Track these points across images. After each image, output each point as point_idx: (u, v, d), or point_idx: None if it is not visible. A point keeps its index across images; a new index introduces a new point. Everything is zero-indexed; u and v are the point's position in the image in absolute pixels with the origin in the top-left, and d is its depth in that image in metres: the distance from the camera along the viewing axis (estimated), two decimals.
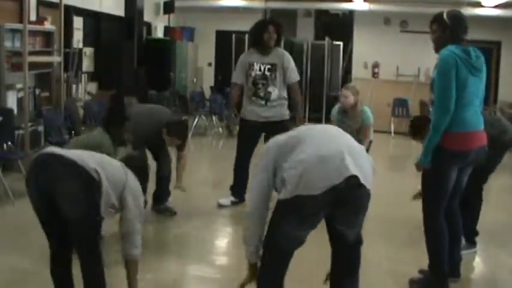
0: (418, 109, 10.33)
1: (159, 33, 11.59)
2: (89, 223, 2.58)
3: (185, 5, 11.76)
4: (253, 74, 5.10)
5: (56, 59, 7.07)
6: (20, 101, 6.53)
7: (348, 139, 2.61)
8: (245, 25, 12.16)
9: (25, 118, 6.25)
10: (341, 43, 11.78)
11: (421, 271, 3.61)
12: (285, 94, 5.22)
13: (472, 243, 4.16)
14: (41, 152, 2.66)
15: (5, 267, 3.66)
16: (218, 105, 10.36)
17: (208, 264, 3.97)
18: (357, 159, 2.45)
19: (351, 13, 12.35)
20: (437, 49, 3.34)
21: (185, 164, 4.76)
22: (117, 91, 8.50)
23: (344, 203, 2.43)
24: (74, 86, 8.01)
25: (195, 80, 12.13)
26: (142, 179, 2.90)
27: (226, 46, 11.74)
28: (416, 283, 3.55)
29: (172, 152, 4.95)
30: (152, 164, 4.87)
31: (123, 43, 9.56)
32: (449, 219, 3.39)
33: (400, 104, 11.10)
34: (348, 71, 12.27)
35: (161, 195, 4.94)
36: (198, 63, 12.54)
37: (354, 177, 2.37)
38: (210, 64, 12.97)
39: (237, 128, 5.49)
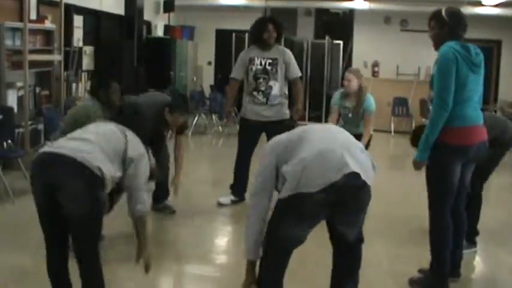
0: (419, 108, 10.35)
1: (159, 32, 11.58)
2: (91, 220, 2.57)
3: (185, 4, 11.75)
4: (254, 68, 5.10)
5: (56, 57, 7.06)
6: (20, 100, 6.54)
7: (347, 137, 2.61)
8: (245, 24, 12.17)
9: (25, 116, 6.26)
10: (341, 42, 11.78)
11: (420, 270, 3.61)
12: (285, 90, 5.22)
13: (472, 242, 4.16)
14: (42, 150, 2.64)
15: (4, 266, 3.66)
16: (218, 104, 10.35)
17: (208, 263, 3.97)
18: (357, 156, 2.45)
19: (351, 12, 12.34)
20: (436, 46, 3.35)
21: (183, 155, 4.69)
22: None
23: (344, 201, 2.43)
24: (74, 85, 8.01)
25: (195, 78, 12.13)
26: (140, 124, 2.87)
27: (226, 45, 11.74)
28: (416, 282, 3.55)
29: (170, 149, 4.96)
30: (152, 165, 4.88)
31: (123, 42, 9.55)
32: (454, 218, 3.39)
33: (400, 103, 11.09)
34: None
35: (160, 194, 4.94)
36: (198, 62, 12.54)
37: (354, 174, 2.38)
38: (210, 63, 12.97)
39: (237, 127, 5.48)
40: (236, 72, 5.24)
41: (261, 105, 5.14)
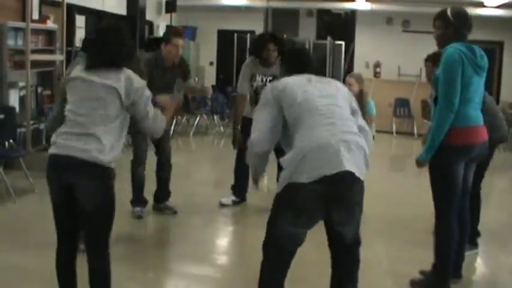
0: (420, 109, 10.34)
1: (161, 32, 11.58)
2: (105, 213, 2.67)
3: (187, 4, 11.76)
4: (255, 84, 5.09)
5: (58, 57, 7.07)
6: (22, 99, 6.55)
7: (345, 116, 2.61)
8: (247, 24, 12.23)
9: (27, 116, 6.27)
10: (343, 43, 11.77)
11: (422, 272, 3.61)
12: None
13: (473, 244, 4.16)
14: (54, 152, 2.66)
15: (4, 265, 3.66)
16: (219, 105, 10.36)
17: (209, 264, 3.97)
18: (352, 151, 2.48)
19: (353, 13, 12.34)
20: (439, 46, 3.35)
21: (179, 103, 4.75)
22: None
23: (338, 195, 2.46)
24: None
25: (196, 79, 12.14)
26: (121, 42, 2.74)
27: (228, 45, 11.75)
28: (417, 284, 3.54)
29: (172, 150, 4.97)
30: (152, 165, 4.89)
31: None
32: (458, 219, 3.39)
33: (402, 104, 11.08)
34: (349, 70, 12.24)
35: (161, 195, 4.95)
36: (200, 63, 12.55)
37: (348, 172, 2.42)
38: (211, 63, 12.98)
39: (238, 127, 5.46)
40: (241, 87, 5.16)
41: None
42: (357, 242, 2.65)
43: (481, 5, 10.26)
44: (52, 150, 2.66)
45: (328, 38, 11.58)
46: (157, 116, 2.80)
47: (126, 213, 4.66)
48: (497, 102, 11.82)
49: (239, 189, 5.31)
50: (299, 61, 2.84)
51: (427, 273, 3.53)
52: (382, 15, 11.88)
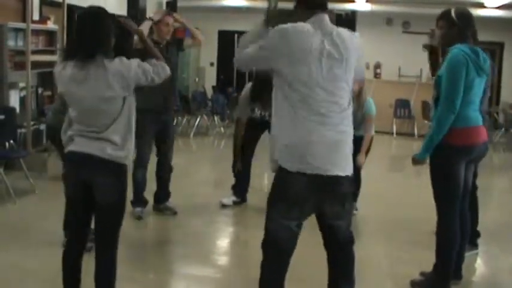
0: (421, 110, 10.34)
1: None
2: (118, 209, 2.75)
3: (188, 5, 11.76)
4: (253, 115, 5.07)
5: (59, 58, 7.07)
6: (22, 100, 6.55)
7: (340, 115, 2.53)
8: (248, 25, 12.19)
9: (27, 117, 6.27)
10: None
11: (422, 273, 3.61)
12: None
13: (473, 245, 4.16)
14: (72, 149, 2.70)
15: (4, 265, 3.66)
16: (220, 105, 10.37)
17: (209, 264, 3.97)
18: (342, 151, 2.50)
19: (353, 13, 12.31)
20: (442, 45, 3.35)
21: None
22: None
23: (325, 191, 2.49)
24: None
25: (197, 79, 12.16)
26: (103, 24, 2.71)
27: (229, 46, 11.75)
28: (417, 284, 3.54)
29: (173, 151, 4.97)
30: (152, 165, 4.89)
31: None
32: (460, 220, 3.39)
33: (402, 105, 11.08)
34: None
35: (161, 196, 4.95)
36: (200, 63, 12.56)
37: (335, 176, 2.46)
38: (212, 64, 12.99)
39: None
40: (242, 113, 5.13)
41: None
42: (350, 240, 2.66)
43: (482, 5, 10.26)
44: (71, 147, 2.71)
45: None
46: (155, 65, 2.76)
47: (126, 213, 4.63)
48: (498, 103, 11.83)
49: (239, 190, 5.32)
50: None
51: (427, 274, 3.53)
52: (382, 16, 11.89)
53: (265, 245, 2.60)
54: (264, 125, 5.06)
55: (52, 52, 7.10)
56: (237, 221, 5.14)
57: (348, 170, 2.53)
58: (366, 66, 12.01)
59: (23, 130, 6.29)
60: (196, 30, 5.00)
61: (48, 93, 7.19)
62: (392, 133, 10.91)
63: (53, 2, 7.41)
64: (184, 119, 10.28)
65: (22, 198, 5.21)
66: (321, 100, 2.46)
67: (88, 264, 2.82)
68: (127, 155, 2.71)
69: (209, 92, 11.55)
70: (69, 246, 2.85)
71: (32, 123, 6.37)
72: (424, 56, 4.46)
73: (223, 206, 5.25)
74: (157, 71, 2.75)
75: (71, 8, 7.22)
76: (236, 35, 11.50)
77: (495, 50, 11.65)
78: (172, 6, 11.42)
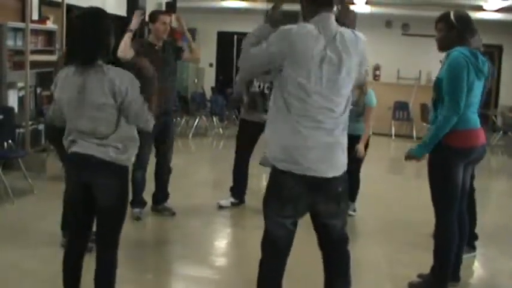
0: (419, 112, 10.35)
1: None
2: (119, 211, 2.75)
3: (187, 6, 11.76)
4: (252, 89, 5.11)
5: (59, 58, 7.06)
6: (21, 100, 6.54)
7: (335, 121, 2.50)
8: (247, 26, 12.19)
9: (26, 117, 6.26)
10: None
11: (420, 275, 3.61)
12: None
13: (471, 247, 4.16)
14: (74, 150, 2.70)
15: (3, 265, 3.66)
16: (219, 106, 10.37)
17: (207, 265, 3.97)
18: (334, 154, 2.49)
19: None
20: (440, 48, 3.37)
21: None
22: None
23: (319, 191, 2.49)
24: None
25: (196, 80, 12.15)
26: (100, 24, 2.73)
27: (228, 47, 11.77)
28: (415, 286, 3.55)
29: (173, 152, 4.97)
30: (151, 166, 4.89)
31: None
32: (458, 222, 3.39)
33: (401, 107, 11.10)
34: None
35: (160, 196, 4.95)
36: (200, 64, 12.53)
37: (326, 178, 2.46)
38: (211, 65, 12.99)
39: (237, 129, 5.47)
40: (239, 90, 5.23)
41: (261, 112, 5.13)
42: (344, 239, 2.67)
43: (480, 8, 10.28)
44: (73, 148, 2.71)
45: None
46: (144, 112, 2.73)
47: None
48: (496, 105, 11.84)
49: (238, 191, 5.31)
50: None
51: (425, 276, 3.53)
52: (382, 18, 11.89)
53: (264, 243, 2.62)
54: (262, 128, 5.08)
55: (51, 52, 7.10)
56: (235, 222, 5.14)
57: (341, 169, 2.53)
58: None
59: (22, 130, 6.28)
60: (193, 43, 5.00)
61: (47, 93, 7.17)
62: (391, 135, 10.92)
63: (52, 1, 7.40)
64: (183, 120, 10.28)
65: (20, 199, 5.20)
66: (318, 107, 2.44)
67: (88, 264, 2.82)
68: (129, 157, 2.72)
69: (208, 93, 11.55)
70: (69, 248, 2.85)
71: (30, 123, 6.36)
72: (423, 58, 4.45)
73: (221, 207, 5.25)
74: (141, 117, 2.70)
75: (70, 8, 7.22)
76: (235, 36, 11.51)
77: (494, 53, 11.67)
78: (171, 7, 11.44)
